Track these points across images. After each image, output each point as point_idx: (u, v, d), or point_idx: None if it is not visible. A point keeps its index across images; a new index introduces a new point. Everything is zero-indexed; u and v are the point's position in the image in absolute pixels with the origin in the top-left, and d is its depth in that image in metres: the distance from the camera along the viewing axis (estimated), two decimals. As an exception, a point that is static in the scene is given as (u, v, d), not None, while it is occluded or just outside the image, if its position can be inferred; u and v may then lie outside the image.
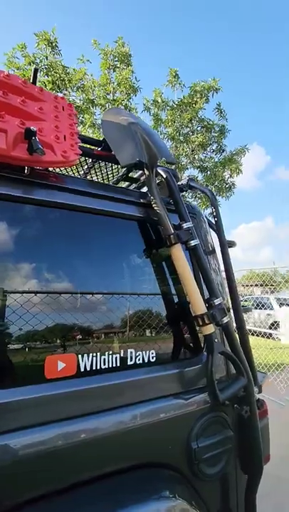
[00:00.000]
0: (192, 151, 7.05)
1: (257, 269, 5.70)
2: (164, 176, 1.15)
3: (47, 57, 5.32)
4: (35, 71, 1.01)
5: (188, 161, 7.29)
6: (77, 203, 1.00)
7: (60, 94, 5.66)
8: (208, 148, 7.35)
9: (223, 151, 7.31)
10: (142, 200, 1.16)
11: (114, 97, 6.10)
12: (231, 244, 1.36)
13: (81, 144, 1.10)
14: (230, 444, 1.06)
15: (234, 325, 1.24)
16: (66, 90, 5.59)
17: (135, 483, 0.87)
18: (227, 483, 1.09)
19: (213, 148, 7.39)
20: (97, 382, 0.87)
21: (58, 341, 0.90)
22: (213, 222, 1.32)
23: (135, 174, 1.41)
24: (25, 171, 0.91)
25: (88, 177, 1.48)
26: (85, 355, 0.90)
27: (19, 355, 0.83)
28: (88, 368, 0.89)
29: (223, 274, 1.33)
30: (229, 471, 1.08)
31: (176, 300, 1.16)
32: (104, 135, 1.14)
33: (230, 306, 1.26)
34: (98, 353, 0.91)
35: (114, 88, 6.03)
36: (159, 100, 6.68)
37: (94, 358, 0.91)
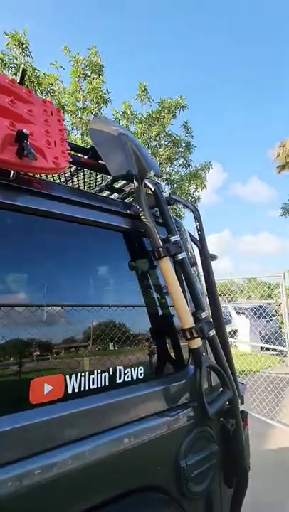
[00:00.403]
0: (160, 164, 7.24)
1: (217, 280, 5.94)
2: (152, 189, 1.15)
3: (16, 58, 5.13)
4: (23, 72, 0.95)
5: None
6: (64, 212, 0.95)
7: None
8: (175, 162, 7.61)
9: (189, 165, 7.62)
10: (129, 212, 1.14)
11: (84, 105, 6.06)
12: (213, 257, 1.39)
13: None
14: (215, 459, 1.05)
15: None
16: (35, 93, 5.41)
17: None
18: (211, 499, 1.08)
19: (180, 162, 7.68)
20: (78, 406, 0.79)
21: (36, 361, 0.82)
22: (194, 236, 1.35)
23: (117, 184, 1.39)
24: (11, 176, 0.85)
25: (69, 184, 1.43)
26: (65, 375, 0.82)
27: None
28: (70, 391, 0.82)
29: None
30: (214, 487, 1.07)
31: (159, 314, 1.15)
32: (94, 143, 1.11)
33: (212, 318, 1.28)
34: (76, 374, 0.85)
35: (84, 96, 5.99)
36: (128, 112, 6.79)
37: (73, 379, 0.84)
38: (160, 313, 1.15)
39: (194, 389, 1.00)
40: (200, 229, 1.32)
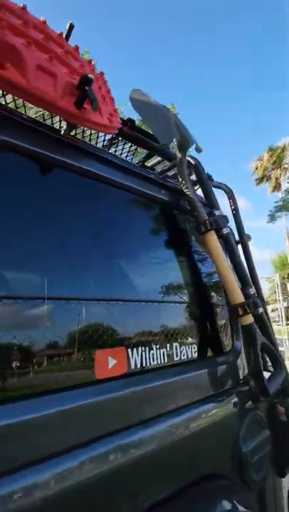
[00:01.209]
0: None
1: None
2: (193, 163, 1.11)
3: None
4: (71, 26, 0.90)
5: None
6: (113, 177, 0.89)
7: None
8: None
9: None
10: (172, 185, 1.09)
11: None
12: (248, 237, 1.36)
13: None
14: (268, 444, 0.98)
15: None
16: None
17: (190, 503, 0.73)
18: (265, 490, 1.00)
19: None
20: (140, 385, 0.70)
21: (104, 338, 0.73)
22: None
23: (149, 162, 1.34)
24: (63, 130, 0.78)
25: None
26: (127, 351, 0.74)
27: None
28: (133, 366, 0.74)
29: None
30: (268, 476, 1.00)
31: (209, 291, 1.09)
32: (138, 112, 1.06)
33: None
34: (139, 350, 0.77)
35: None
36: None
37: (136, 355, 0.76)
38: (210, 290, 1.09)
39: (250, 369, 0.94)
40: (235, 208, 1.29)
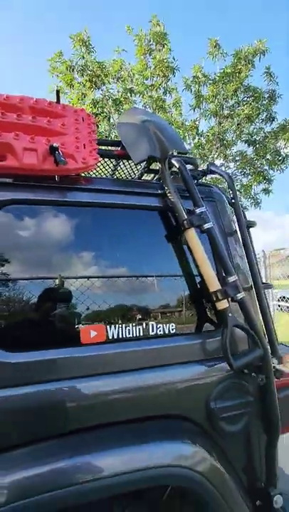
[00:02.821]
0: (238, 124, 6.65)
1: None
2: (177, 166, 1.24)
3: (83, 57, 5.57)
4: (58, 92, 1.19)
5: (235, 135, 6.91)
6: (103, 200, 1.18)
7: (98, 92, 5.90)
8: (257, 119, 6.82)
9: (274, 119, 6.71)
10: (159, 191, 1.28)
11: (153, 82, 6.07)
12: (252, 224, 1.39)
13: (103, 148, 1.26)
14: (249, 407, 1.16)
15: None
16: (104, 86, 5.79)
17: (162, 427, 1.05)
18: (251, 442, 1.20)
19: (262, 117, 6.83)
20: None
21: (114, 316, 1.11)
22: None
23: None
24: (56, 179, 1.12)
25: (117, 174, 1.65)
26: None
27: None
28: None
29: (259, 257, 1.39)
30: (252, 431, 1.19)
31: (196, 280, 1.27)
32: (120, 136, 1.28)
33: (252, 283, 1.32)
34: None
35: (151, 73, 5.99)
36: (200, 75, 6.40)
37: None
38: (196, 279, 1.27)
39: (222, 345, 1.12)
40: (234, 197, 1.34)
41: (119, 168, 1.57)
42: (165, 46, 6.01)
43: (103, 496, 0.88)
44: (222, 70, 6.44)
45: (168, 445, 1.00)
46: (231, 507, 1.03)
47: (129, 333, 1.10)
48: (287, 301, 6.90)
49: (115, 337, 1.08)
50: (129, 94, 5.99)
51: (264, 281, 1.43)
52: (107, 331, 1.07)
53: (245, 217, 1.37)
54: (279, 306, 6.77)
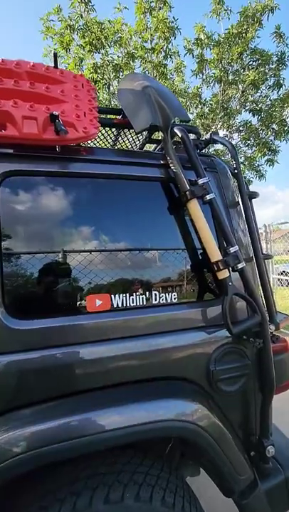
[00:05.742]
0: (242, 92, 6.33)
1: None
2: (180, 135, 1.22)
3: (82, 16, 5.18)
4: (55, 55, 1.14)
5: (240, 103, 6.60)
6: (104, 171, 1.17)
7: (97, 56, 5.56)
8: (263, 86, 6.48)
9: (281, 86, 6.37)
10: (162, 161, 1.26)
11: (153, 45, 5.71)
12: (254, 195, 1.38)
13: (103, 116, 1.23)
14: (247, 370, 1.23)
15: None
16: (103, 49, 5.44)
17: (167, 388, 1.13)
18: (247, 400, 1.29)
19: (270, 83, 6.48)
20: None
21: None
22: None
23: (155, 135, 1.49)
24: (57, 149, 1.10)
25: (118, 144, 1.61)
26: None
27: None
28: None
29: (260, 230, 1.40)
30: (248, 390, 1.27)
31: (199, 250, 1.29)
32: (120, 104, 1.24)
33: (253, 254, 1.34)
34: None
35: (151, 35, 5.61)
36: (202, 37, 5.99)
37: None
38: (198, 249, 1.29)
39: (222, 312, 1.16)
40: (237, 167, 1.32)
41: (120, 137, 1.54)
42: (165, 4, 5.57)
43: (119, 443, 0.99)
44: (227, 31, 6.01)
45: (173, 402, 1.08)
46: (228, 456, 1.13)
47: (133, 302, 1.14)
48: (287, 275, 6.97)
49: (120, 306, 1.12)
50: (130, 60, 5.64)
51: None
52: (111, 300, 1.11)
53: (247, 187, 1.36)
54: (279, 280, 6.85)
